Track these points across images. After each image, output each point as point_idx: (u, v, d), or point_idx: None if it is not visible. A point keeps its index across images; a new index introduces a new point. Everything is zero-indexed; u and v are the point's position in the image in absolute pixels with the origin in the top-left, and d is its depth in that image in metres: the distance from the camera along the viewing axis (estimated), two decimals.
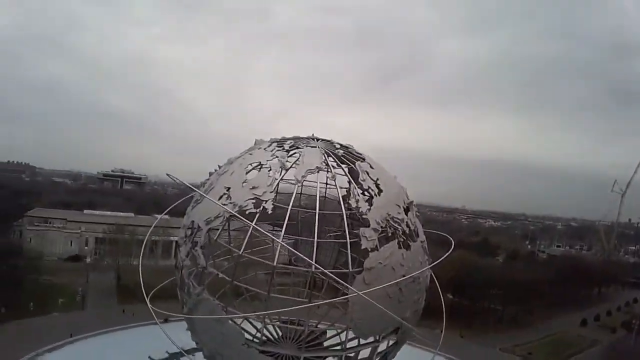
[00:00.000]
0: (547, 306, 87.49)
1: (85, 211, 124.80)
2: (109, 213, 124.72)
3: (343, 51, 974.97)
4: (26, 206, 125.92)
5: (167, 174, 39.50)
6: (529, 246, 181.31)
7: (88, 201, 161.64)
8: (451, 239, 36.05)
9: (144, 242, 42.40)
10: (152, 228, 46.58)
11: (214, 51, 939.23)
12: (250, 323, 36.69)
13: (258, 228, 26.80)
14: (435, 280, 35.66)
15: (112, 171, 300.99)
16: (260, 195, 28.63)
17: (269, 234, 27.84)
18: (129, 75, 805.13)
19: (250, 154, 33.24)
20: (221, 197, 30.02)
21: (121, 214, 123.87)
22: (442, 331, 34.66)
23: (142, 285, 32.47)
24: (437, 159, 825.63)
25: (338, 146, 33.72)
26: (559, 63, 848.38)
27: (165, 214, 43.22)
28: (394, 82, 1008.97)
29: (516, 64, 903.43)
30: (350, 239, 28.00)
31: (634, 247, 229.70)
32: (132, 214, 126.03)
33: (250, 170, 31.05)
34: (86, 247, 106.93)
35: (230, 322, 29.37)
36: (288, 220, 28.86)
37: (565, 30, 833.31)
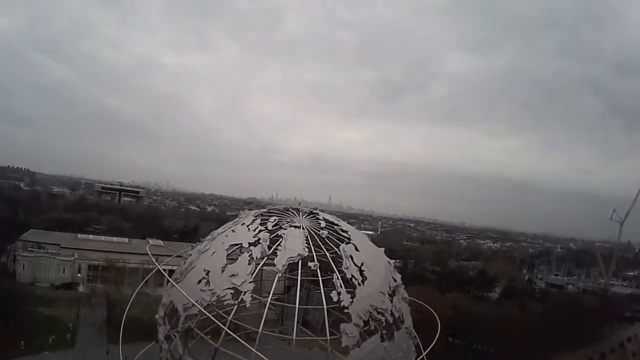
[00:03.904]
0: (541, 348, 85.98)
1: (79, 236, 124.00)
2: (103, 238, 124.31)
3: (348, 65, 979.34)
4: (22, 225, 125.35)
5: (148, 246, 39.23)
6: (527, 275, 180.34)
7: (85, 219, 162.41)
8: (437, 316, 35.39)
9: (129, 302, 41.07)
10: (144, 281, 46.31)
11: (220, 59, 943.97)
12: None
13: (230, 334, 26.17)
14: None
15: (111, 184, 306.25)
16: (239, 285, 28.18)
17: (246, 342, 26.99)
18: (135, 81, 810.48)
19: (233, 231, 32.75)
20: (200, 280, 29.65)
21: (115, 239, 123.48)
22: None
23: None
24: (439, 174, 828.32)
25: (323, 224, 33.14)
26: (561, 82, 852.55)
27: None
28: (398, 97, 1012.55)
29: (519, 83, 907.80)
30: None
31: (631, 273, 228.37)
32: (127, 240, 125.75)
33: (231, 252, 30.63)
34: (79, 275, 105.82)
35: None
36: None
37: (569, 49, 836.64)
